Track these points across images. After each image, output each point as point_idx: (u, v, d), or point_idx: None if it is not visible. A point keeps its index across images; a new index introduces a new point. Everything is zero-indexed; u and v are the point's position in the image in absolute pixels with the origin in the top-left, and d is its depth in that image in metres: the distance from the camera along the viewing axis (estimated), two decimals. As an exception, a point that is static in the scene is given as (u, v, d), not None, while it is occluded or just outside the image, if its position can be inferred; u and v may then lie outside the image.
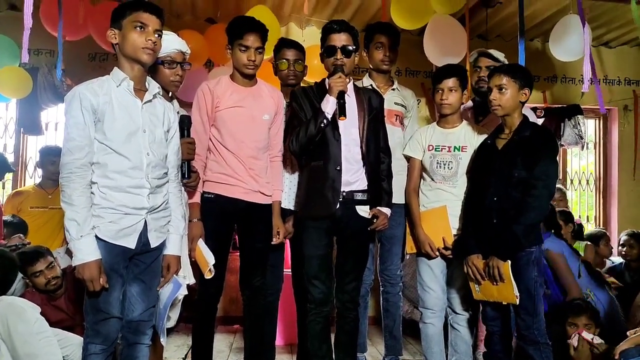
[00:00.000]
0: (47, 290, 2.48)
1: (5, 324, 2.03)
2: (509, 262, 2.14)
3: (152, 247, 1.94)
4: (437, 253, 2.45)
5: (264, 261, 2.46)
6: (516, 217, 2.14)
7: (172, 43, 2.19)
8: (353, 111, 2.33)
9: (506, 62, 2.81)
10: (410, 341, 3.50)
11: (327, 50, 2.30)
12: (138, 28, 1.87)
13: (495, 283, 2.18)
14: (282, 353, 3.23)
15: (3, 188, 4.26)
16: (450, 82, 2.43)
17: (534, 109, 4.31)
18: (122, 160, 1.86)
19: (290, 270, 2.77)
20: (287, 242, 2.63)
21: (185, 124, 2.21)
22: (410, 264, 3.66)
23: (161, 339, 2.10)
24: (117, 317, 1.89)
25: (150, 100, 1.96)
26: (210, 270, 2.22)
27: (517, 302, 2.14)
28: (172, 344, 3.33)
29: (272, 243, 2.44)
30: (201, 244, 2.26)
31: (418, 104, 4.17)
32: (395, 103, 2.75)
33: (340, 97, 2.22)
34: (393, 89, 2.79)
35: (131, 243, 1.88)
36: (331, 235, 2.35)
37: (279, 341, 2.98)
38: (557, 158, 2.34)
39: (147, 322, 2.00)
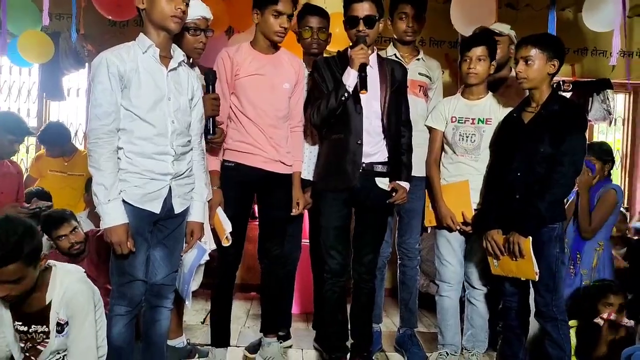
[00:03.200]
0: (70, 254, 2.54)
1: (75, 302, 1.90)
2: (530, 238, 2.10)
3: (176, 213, 1.98)
4: (458, 227, 2.43)
5: (283, 231, 2.47)
6: (540, 193, 2.09)
7: (196, 9, 2.15)
8: (375, 83, 2.29)
9: (512, 34, 2.72)
10: (426, 314, 3.52)
11: (350, 21, 2.24)
12: None
13: (514, 259, 2.15)
14: (298, 321, 3.28)
15: (27, 152, 4.34)
16: (479, 51, 2.35)
17: (561, 82, 4.20)
18: (147, 127, 1.87)
19: (308, 240, 2.78)
20: (306, 212, 2.63)
21: (210, 79, 2.21)
22: (428, 238, 3.63)
23: (187, 303, 2.15)
24: (141, 280, 1.94)
25: (175, 68, 1.95)
26: (227, 237, 2.24)
27: (537, 279, 2.11)
28: (191, 309, 3.38)
29: (292, 214, 2.43)
30: (220, 212, 2.27)
31: (442, 74, 4.09)
32: (420, 74, 2.67)
33: (362, 69, 2.17)
34: (418, 59, 2.70)
35: (156, 208, 1.91)
36: (350, 206, 2.34)
37: (295, 309, 3.02)
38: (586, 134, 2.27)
39: (169, 286, 2.05)
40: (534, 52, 2.13)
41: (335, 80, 2.26)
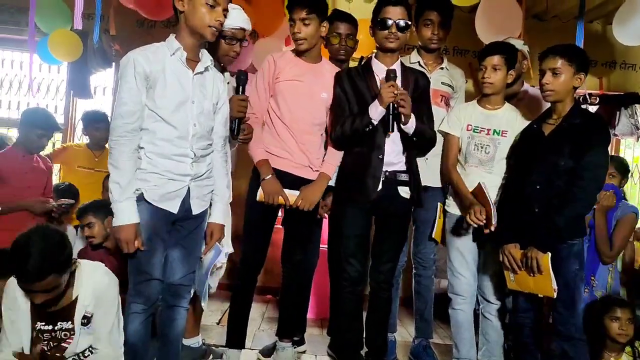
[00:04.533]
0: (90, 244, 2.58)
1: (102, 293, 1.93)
2: (549, 254, 2.05)
3: (193, 214, 1.99)
4: (481, 222, 2.27)
5: (307, 237, 2.47)
6: (560, 208, 2.05)
7: (236, 20, 2.19)
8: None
9: (525, 49, 2.68)
10: (441, 325, 3.48)
11: (381, 23, 2.22)
12: (209, 5, 1.88)
13: (532, 274, 2.10)
14: (313, 327, 3.28)
15: (53, 147, 4.43)
16: (495, 60, 2.31)
17: (588, 96, 4.13)
18: (169, 129, 1.89)
19: (326, 246, 2.77)
20: (326, 217, 2.63)
21: (241, 80, 2.23)
22: (442, 249, 3.61)
23: (202, 303, 2.17)
24: (158, 279, 1.96)
25: (201, 72, 1.97)
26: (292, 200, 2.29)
27: (555, 296, 2.06)
28: (207, 309, 3.39)
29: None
30: (287, 191, 2.29)
31: (465, 84, 4.06)
32: (442, 83, 2.64)
33: (391, 109, 2.15)
34: (441, 68, 2.67)
35: (174, 207, 1.93)
36: (370, 215, 2.34)
37: (310, 315, 3.01)
38: (610, 148, 2.22)
39: (186, 286, 2.07)
40: (560, 63, 2.09)
41: (357, 93, 2.27)
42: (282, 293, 2.55)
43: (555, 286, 2.05)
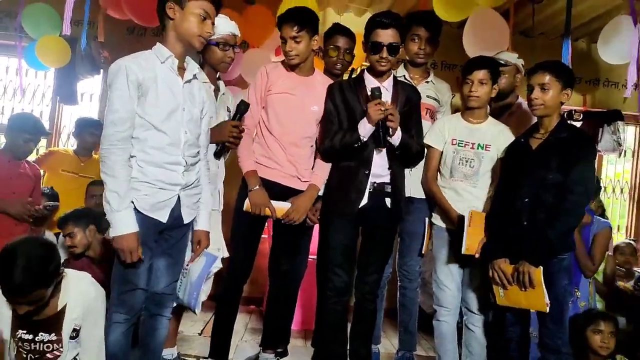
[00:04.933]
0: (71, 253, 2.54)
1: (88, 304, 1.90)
2: (541, 268, 2.05)
3: (184, 222, 1.99)
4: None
5: (295, 247, 2.47)
6: (551, 222, 2.06)
7: (226, 26, 2.27)
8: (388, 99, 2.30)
9: (520, 63, 2.73)
10: (425, 337, 3.47)
11: (373, 47, 2.24)
12: (201, 16, 1.89)
13: (524, 289, 2.09)
14: (297, 338, 3.25)
15: (37, 153, 4.37)
16: (481, 74, 2.35)
17: (573, 112, 4.20)
18: (161, 136, 1.88)
19: (315, 256, 2.76)
20: (315, 229, 2.62)
21: (241, 109, 2.27)
22: (431, 261, 3.62)
23: (196, 311, 2.14)
24: (143, 289, 1.93)
25: (189, 80, 1.98)
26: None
27: (547, 310, 2.06)
28: (188, 320, 3.38)
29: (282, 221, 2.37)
30: (274, 203, 2.31)
31: (452, 98, 4.11)
32: (428, 96, 2.66)
33: (381, 126, 2.19)
34: (427, 82, 2.70)
35: (163, 217, 1.92)
36: (357, 226, 2.34)
37: (294, 326, 2.98)
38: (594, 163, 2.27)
39: (170, 295, 2.05)
40: (548, 78, 2.13)
41: (347, 107, 2.29)
42: (268, 303, 2.53)
43: (547, 300, 2.05)
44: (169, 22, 1.92)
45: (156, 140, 1.88)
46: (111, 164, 1.81)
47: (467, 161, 2.40)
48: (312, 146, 2.43)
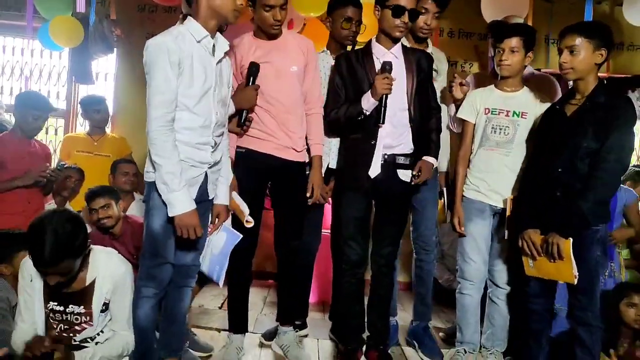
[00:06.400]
0: (101, 228, 2.59)
1: (118, 279, 1.93)
2: (571, 239, 1.99)
3: (209, 197, 2.03)
4: (463, 231, 2.42)
5: (299, 222, 2.42)
6: (583, 193, 1.97)
7: None
8: (401, 74, 2.27)
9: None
10: (444, 309, 3.48)
11: (395, 11, 2.18)
12: None
13: (552, 260, 2.04)
14: (315, 311, 3.28)
15: (56, 134, 4.44)
16: (513, 42, 2.26)
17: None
18: (194, 118, 1.88)
19: (329, 230, 2.76)
20: (330, 201, 2.61)
21: (252, 72, 2.21)
22: (449, 233, 3.60)
23: (220, 285, 2.19)
24: (171, 262, 1.98)
25: (220, 60, 1.95)
26: (247, 220, 2.24)
27: (575, 282, 2.00)
28: (209, 293, 3.45)
29: (308, 197, 2.36)
30: (235, 196, 2.27)
31: (470, 68, 4.03)
32: None
33: (382, 101, 2.16)
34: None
35: (193, 193, 1.94)
36: (370, 198, 2.32)
37: (312, 299, 3.01)
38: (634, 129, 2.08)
39: (196, 267, 2.12)
40: (579, 41, 2.01)
41: (354, 79, 2.25)
42: (278, 279, 2.52)
43: (576, 272, 1.99)
44: None
45: (189, 121, 1.88)
46: (162, 145, 1.81)
47: (500, 129, 2.33)
48: (302, 111, 2.37)
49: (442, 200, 2.60)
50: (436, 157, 2.37)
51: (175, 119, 1.85)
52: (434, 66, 2.60)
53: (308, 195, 2.36)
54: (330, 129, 2.36)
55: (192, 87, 1.85)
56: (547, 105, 2.26)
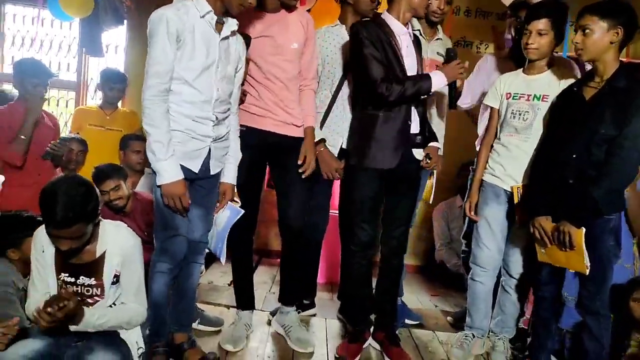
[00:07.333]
0: (110, 207, 2.58)
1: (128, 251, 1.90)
2: (583, 229, 1.93)
3: (211, 174, 2.03)
4: (474, 216, 2.41)
5: (301, 200, 2.35)
6: (597, 181, 1.90)
7: None
8: (412, 53, 2.25)
9: None
10: (453, 294, 3.49)
11: None
12: None
13: (564, 249, 2.00)
14: (323, 291, 3.29)
15: (67, 106, 4.41)
16: (540, 24, 2.16)
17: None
18: (194, 92, 1.90)
19: (336, 211, 2.74)
20: (336, 182, 2.58)
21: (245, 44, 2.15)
22: (459, 217, 3.58)
23: (222, 261, 2.18)
24: (184, 235, 1.99)
25: (227, 37, 1.94)
26: (234, 199, 2.22)
27: (587, 272, 1.96)
28: (218, 270, 3.46)
29: (302, 174, 2.29)
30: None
31: (486, 49, 3.94)
32: (438, 53, 2.60)
33: (453, 87, 2.25)
34: (437, 39, 2.65)
35: (196, 167, 1.96)
36: (384, 179, 2.28)
37: (320, 279, 3.01)
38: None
39: (205, 243, 2.14)
40: (591, 20, 1.93)
41: (388, 45, 2.17)
42: (282, 260, 2.48)
43: (588, 262, 1.94)
44: None
45: (189, 95, 1.90)
46: (153, 114, 1.84)
47: (520, 114, 2.27)
48: (297, 85, 2.32)
49: (432, 180, 2.59)
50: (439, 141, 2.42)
51: (176, 91, 1.87)
52: (441, 50, 2.60)
53: (300, 162, 2.29)
54: (385, 102, 2.17)
55: (193, 61, 1.86)
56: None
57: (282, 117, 2.27)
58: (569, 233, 1.96)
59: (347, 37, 2.45)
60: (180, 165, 1.91)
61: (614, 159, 1.90)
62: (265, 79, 2.24)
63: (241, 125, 2.26)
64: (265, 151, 2.32)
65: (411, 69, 2.22)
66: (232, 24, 1.95)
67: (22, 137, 2.66)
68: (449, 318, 3.02)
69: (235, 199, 2.22)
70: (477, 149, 2.73)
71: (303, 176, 2.30)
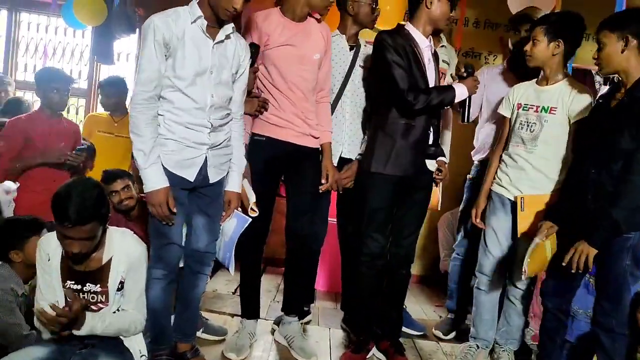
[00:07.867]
0: (120, 210, 2.60)
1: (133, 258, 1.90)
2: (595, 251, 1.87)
3: (210, 182, 2.00)
4: (479, 224, 2.43)
5: (312, 209, 2.39)
6: (615, 199, 1.83)
7: None
8: (432, 69, 2.28)
9: None
10: (442, 297, 3.44)
11: (453, 2, 2.25)
12: None
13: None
14: (326, 300, 3.29)
15: (77, 114, 4.47)
16: (535, 32, 2.22)
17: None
18: (187, 100, 1.89)
19: (334, 219, 2.73)
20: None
21: (251, 53, 2.15)
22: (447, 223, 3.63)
23: (230, 271, 2.17)
24: (177, 244, 1.98)
25: (221, 41, 1.92)
26: (252, 208, 2.20)
27: (523, 277, 2.04)
28: (223, 278, 3.47)
29: (320, 189, 2.34)
30: (245, 183, 2.23)
31: (494, 60, 3.95)
32: (443, 60, 2.62)
33: (467, 102, 2.31)
34: (442, 46, 2.67)
35: (191, 175, 1.94)
36: (397, 186, 2.28)
37: (323, 287, 3.01)
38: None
39: (211, 253, 2.11)
40: (602, 34, 1.94)
41: (412, 56, 2.20)
42: (287, 268, 2.49)
43: (526, 268, 1.98)
44: None
45: (182, 102, 1.89)
46: (137, 122, 1.85)
47: (528, 125, 2.26)
48: (314, 97, 2.34)
49: (438, 188, 2.60)
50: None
51: (169, 99, 1.87)
52: (446, 58, 2.64)
53: (323, 181, 2.34)
54: (412, 111, 2.21)
55: (184, 68, 1.85)
56: (584, 98, 2.16)
57: (302, 129, 2.29)
58: (587, 254, 1.88)
59: (346, 47, 2.49)
60: (175, 174, 1.91)
61: (632, 176, 1.82)
62: (287, 89, 2.25)
63: (261, 136, 2.28)
64: (283, 161, 2.33)
65: (431, 81, 2.26)
66: (227, 27, 1.93)
67: (17, 166, 2.70)
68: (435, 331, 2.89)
69: (253, 207, 2.20)
70: (474, 158, 2.80)
71: (320, 191, 2.34)
